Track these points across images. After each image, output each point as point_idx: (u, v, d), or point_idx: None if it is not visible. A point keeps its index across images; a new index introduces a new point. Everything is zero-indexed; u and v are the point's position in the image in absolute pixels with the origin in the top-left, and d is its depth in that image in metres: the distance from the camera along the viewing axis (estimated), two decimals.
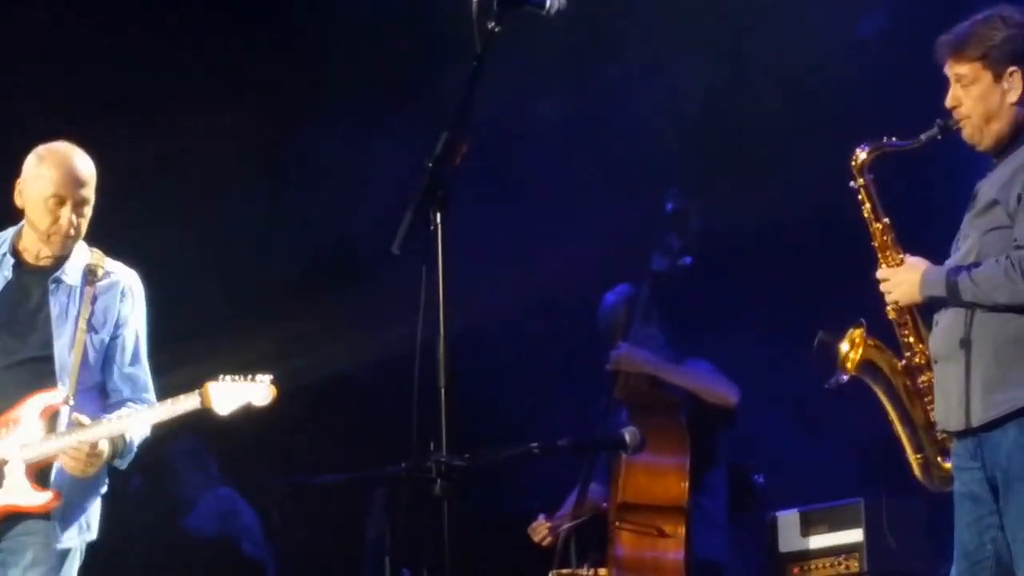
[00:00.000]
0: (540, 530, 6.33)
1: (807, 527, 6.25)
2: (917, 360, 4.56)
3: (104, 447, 4.74)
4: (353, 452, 7.52)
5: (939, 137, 4.52)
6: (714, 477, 6.16)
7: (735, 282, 7.11)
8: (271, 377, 4.75)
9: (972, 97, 4.44)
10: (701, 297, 6.66)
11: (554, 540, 6.20)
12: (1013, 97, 4.43)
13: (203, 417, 7.92)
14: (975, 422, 4.33)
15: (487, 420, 6.58)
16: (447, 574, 3.71)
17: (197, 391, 4.73)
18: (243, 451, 8.27)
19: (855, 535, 6.10)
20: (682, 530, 5.83)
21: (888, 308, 4.56)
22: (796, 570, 6.24)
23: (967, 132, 4.49)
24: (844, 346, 4.58)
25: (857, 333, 4.57)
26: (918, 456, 4.55)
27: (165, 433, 7.48)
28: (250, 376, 4.76)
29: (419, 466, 3.74)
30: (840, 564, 6.12)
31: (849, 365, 4.58)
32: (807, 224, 6.92)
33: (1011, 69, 4.42)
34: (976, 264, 4.33)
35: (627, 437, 4.23)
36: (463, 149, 3.76)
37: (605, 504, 6.06)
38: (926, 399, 4.54)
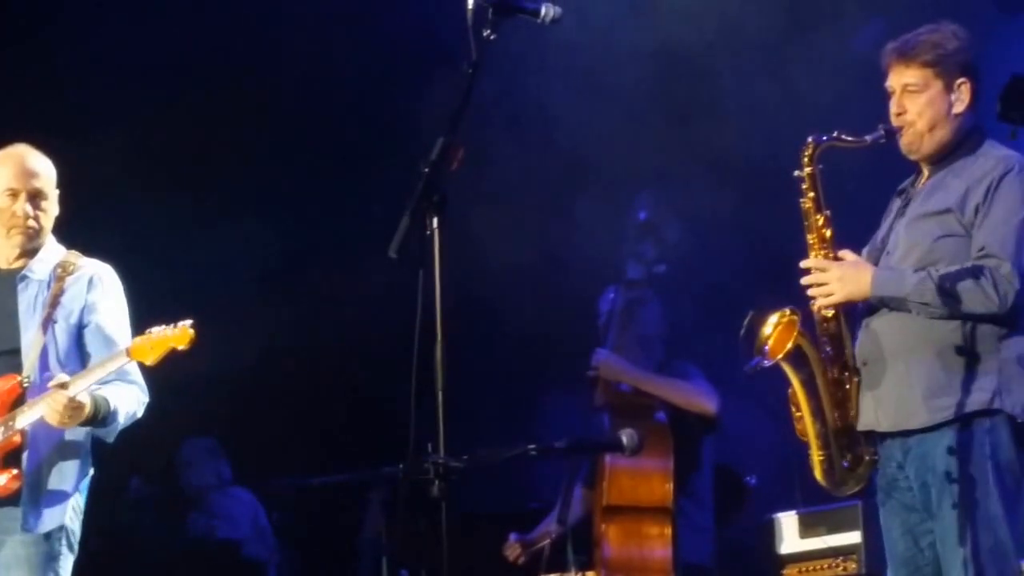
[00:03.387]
0: (513, 550, 6.39)
1: (805, 529, 6.27)
2: (835, 357, 4.50)
3: (84, 400, 4.77)
4: (351, 453, 7.57)
5: (883, 141, 4.51)
6: (698, 482, 6.18)
7: (724, 283, 7.14)
8: (191, 322, 4.81)
9: (919, 104, 4.47)
10: (686, 300, 6.69)
11: (530, 557, 6.28)
12: (959, 108, 4.47)
13: (214, 417, 8.02)
14: (916, 425, 4.35)
15: (484, 421, 6.62)
16: (444, 574, 3.75)
17: (126, 348, 4.83)
18: (243, 452, 8.34)
19: (853, 537, 6.13)
20: (668, 530, 5.87)
21: (819, 304, 4.47)
22: (794, 572, 6.27)
23: (906, 139, 4.49)
24: (767, 329, 4.48)
25: (787, 319, 4.47)
26: (822, 454, 4.50)
27: (174, 434, 7.59)
28: (173, 324, 4.83)
29: (417, 467, 3.78)
30: (838, 566, 6.14)
31: (771, 348, 4.46)
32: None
33: (961, 80, 4.46)
34: (936, 269, 4.33)
35: (624, 439, 4.23)
36: (459, 154, 3.81)
37: (554, 534, 6.10)
38: (838, 397, 4.48)
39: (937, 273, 4.32)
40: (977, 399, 4.30)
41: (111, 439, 5.01)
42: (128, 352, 4.82)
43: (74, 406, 4.75)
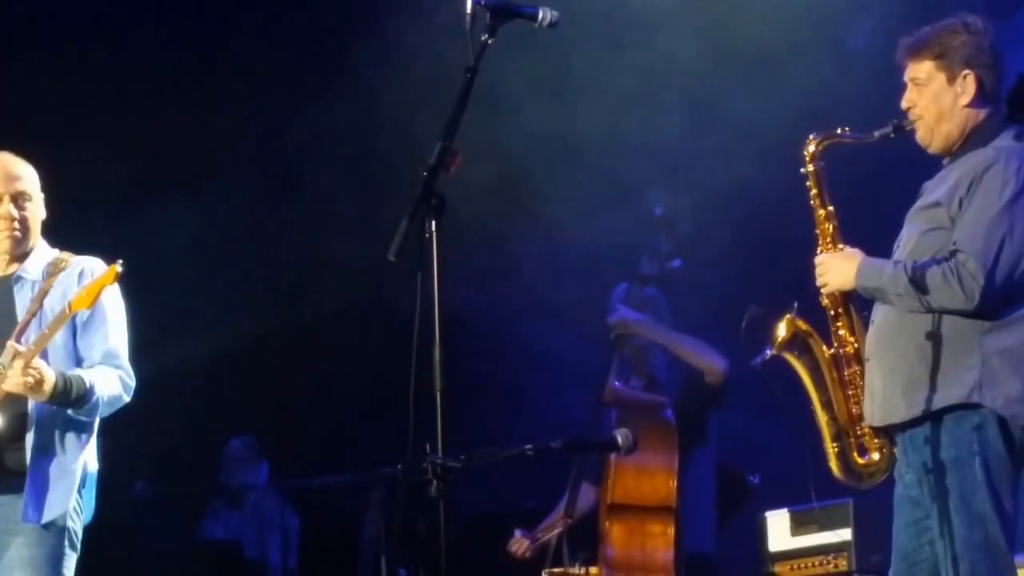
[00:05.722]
0: (519, 544, 6.41)
1: (797, 527, 6.29)
2: (846, 351, 4.59)
3: (42, 367, 4.80)
4: (350, 454, 7.59)
5: (892, 135, 4.57)
6: (701, 464, 6.23)
7: (727, 282, 7.17)
8: (120, 261, 4.88)
9: (926, 98, 4.51)
10: (693, 297, 6.73)
11: (535, 553, 6.30)
12: (965, 100, 4.50)
13: (214, 419, 8.02)
14: (897, 419, 4.40)
15: (482, 422, 6.64)
16: (443, 574, 3.79)
17: (65, 303, 4.89)
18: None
19: (844, 534, 6.14)
20: (671, 530, 5.89)
21: (822, 294, 4.59)
22: (786, 569, 6.29)
23: (919, 133, 4.55)
24: (780, 330, 4.62)
25: (787, 317, 4.60)
26: (835, 444, 4.57)
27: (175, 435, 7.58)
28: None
29: (415, 467, 3.81)
30: (829, 563, 6.16)
31: (773, 340, 4.61)
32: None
33: (965, 72, 4.49)
34: (915, 261, 4.38)
35: (619, 439, 4.25)
36: (457, 159, 3.85)
37: (561, 528, 6.14)
38: (849, 391, 4.57)
39: (912, 265, 4.36)
40: (955, 393, 4.32)
41: (93, 418, 5.00)
42: (69, 307, 4.86)
43: (32, 373, 4.76)
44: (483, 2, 3.93)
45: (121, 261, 4.86)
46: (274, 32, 8.10)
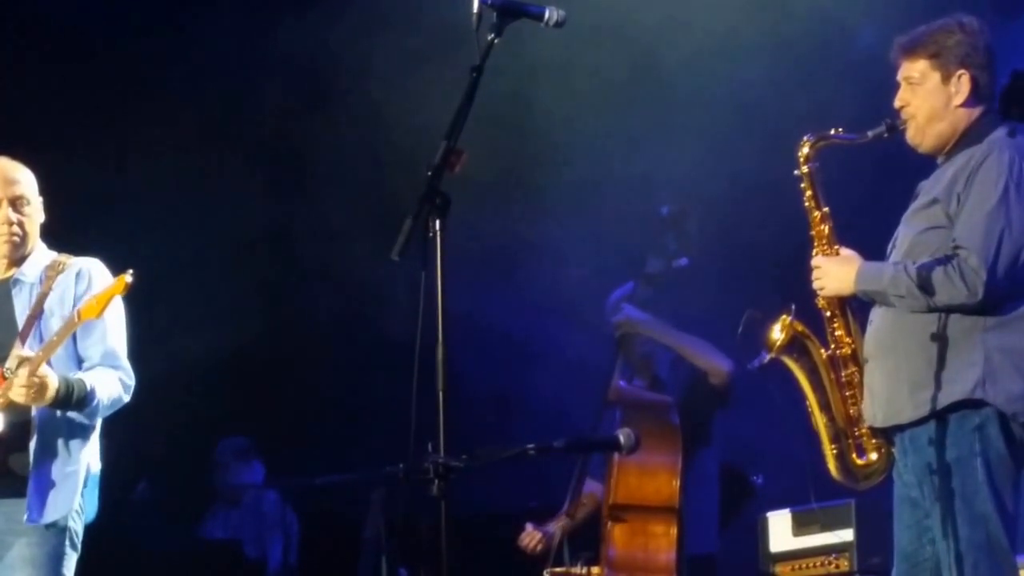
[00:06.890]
0: (532, 537, 6.39)
1: (799, 527, 6.29)
2: (843, 352, 4.58)
3: (47, 374, 4.80)
4: (352, 453, 7.59)
5: (886, 135, 4.57)
6: (705, 465, 6.22)
7: (731, 282, 7.17)
8: (131, 271, 4.84)
9: (919, 97, 4.51)
10: (699, 297, 6.72)
11: (545, 547, 6.29)
12: (959, 100, 4.50)
13: (216, 418, 8.04)
14: (904, 420, 4.40)
15: (484, 421, 6.65)
16: (444, 573, 3.78)
17: (76, 311, 4.87)
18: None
19: (846, 535, 6.15)
20: (674, 530, 5.88)
21: (818, 296, 4.59)
22: (787, 570, 6.29)
23: (910, 133, 4.55)
24: (776, 332, 4.60)
25: (785, 318, 4.59)
26: (833, 447, 4.57)
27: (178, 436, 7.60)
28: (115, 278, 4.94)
29: (417, 467, 3.80)
30: (831, 564, 6.16)
31: (770, 343, 4.60)
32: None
33: (960, 72, 4.49)
34: (914, 262, 4.38)
35: (621, 438, 4.25)
36: (462, 158, 3.84)
37: (570, 518, 6.14)
38: (847, 392, 4.57)
39: (912, 266, 4.36)
40: (959, 389, 4.32)
41: (93, 421, 5.01)
42: (78, 315, 4.85)
43: (36, 382, 4.77)
44: (489, 1, 3.92)
45: (131, 271, 4.84)
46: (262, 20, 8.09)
